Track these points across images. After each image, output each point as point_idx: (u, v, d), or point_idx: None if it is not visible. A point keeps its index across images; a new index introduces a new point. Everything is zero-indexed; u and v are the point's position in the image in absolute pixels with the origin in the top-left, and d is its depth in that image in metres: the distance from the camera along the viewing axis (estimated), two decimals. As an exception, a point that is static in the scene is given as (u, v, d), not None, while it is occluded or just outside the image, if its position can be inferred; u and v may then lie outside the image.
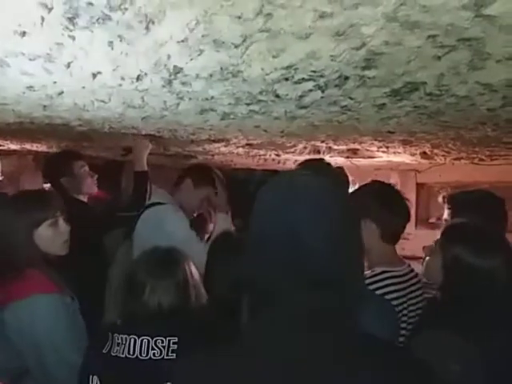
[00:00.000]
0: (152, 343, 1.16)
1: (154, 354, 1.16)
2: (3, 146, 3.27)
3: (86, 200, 2.34)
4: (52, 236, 1.49)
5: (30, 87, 1.24)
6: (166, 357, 1.15)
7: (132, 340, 1.18)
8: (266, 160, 3.32)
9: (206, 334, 1.14)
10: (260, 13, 0.78)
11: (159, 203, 1.99)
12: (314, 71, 1.07)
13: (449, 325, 1.21)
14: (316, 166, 1.36)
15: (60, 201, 1.58)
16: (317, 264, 0.67)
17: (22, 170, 4.53)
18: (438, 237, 1.43)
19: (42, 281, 1.41)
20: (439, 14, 0.75)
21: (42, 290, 1.40)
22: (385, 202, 1.57)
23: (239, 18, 0.80)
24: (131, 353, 1.17)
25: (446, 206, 1.95)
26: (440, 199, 2.01)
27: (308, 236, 0.68)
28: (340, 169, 1.47)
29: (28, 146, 3.24)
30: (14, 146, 3.30)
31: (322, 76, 1.11)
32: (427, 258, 1.51)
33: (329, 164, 1.68)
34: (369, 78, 1.11)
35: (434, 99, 1.28)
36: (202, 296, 1.33)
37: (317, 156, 2.83)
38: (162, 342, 1.17)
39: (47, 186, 3.68)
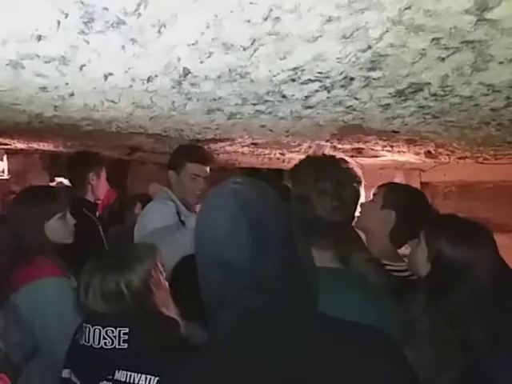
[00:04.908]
0: (103, 333, 1.18)
1: (105, 343, 1.18)
2: (10, 144, 3.30)
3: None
4: (60, 227, 1.64)
5: (43, 88, 1.27)
6: (117, 346, 1.17)
7: (87, 329, 1.20)
8: (270, 159, 3.34)
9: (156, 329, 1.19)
10: (268, 17, 0.80)
11: None
12: (321, 72, 1.10)
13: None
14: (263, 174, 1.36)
15: (67, 196, 1.74)
16: (240, 272, 0.71)
17: (29, 168, 4.58)
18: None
19: (51, 266, 1.55)
20: (443, 18, 0.77)
21: (52, 274, 1.52)
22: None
23: (248, 21, 0.82)
24: (87, 340, 1.19)
25: None
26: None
27: (227, 248, 0.71)
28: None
29: (35, 145, 3.28)
30: (20, 145, 3.34)
31: (328, 77, 1.13)
32: (411, 251, 1.48)
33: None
34: (374, 78, 1.13)
35: (438, 99, 1.30)
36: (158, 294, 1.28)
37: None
38: (113, 332, 1.18)
39: (53, 183, 3.72)
